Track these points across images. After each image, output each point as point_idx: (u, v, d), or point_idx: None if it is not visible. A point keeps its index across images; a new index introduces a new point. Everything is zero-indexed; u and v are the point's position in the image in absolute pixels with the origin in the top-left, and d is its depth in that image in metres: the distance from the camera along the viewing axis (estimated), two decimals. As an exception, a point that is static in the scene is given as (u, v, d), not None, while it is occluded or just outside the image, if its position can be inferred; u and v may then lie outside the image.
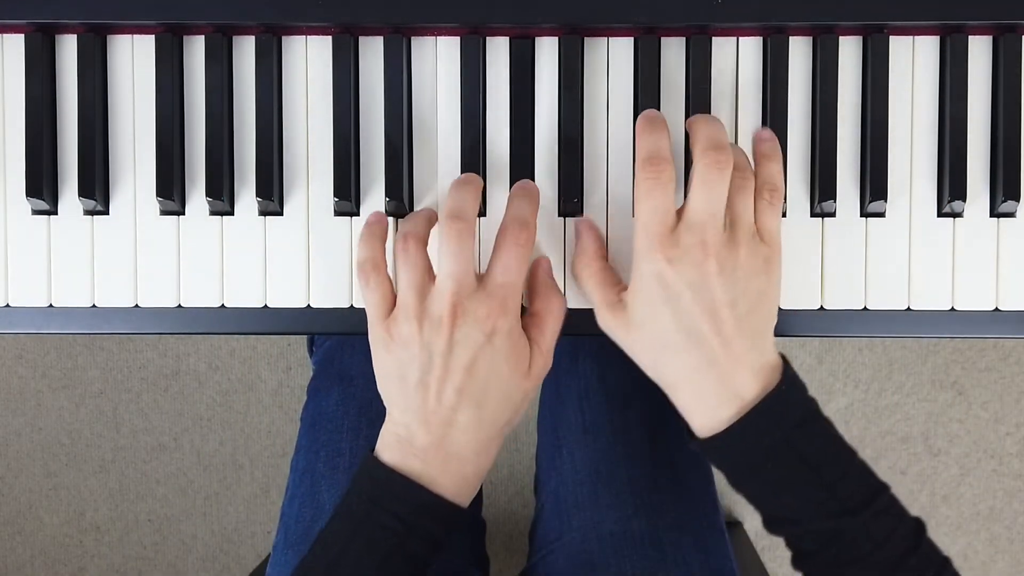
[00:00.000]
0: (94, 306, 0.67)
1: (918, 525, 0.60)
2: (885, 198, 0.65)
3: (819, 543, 0.59)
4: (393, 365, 0.61)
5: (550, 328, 0.63)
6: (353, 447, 0.81)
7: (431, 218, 0.64)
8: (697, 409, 0.59)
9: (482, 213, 0.66)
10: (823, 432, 0.60)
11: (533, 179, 0.66)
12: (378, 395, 0.74)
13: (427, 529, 0.59)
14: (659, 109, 0.65)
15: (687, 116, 0.65)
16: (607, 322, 0.61)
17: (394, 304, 0.61)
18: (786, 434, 0.58)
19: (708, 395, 0.58)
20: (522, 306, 0.63)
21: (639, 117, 0.61)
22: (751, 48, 0.66)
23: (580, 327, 0.66)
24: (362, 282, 0.62)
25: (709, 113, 0.65)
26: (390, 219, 0.66)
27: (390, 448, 0.61)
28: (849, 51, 0.65)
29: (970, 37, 0.65)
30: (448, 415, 0.59)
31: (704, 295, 0.57)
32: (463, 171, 0.65)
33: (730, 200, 0.59)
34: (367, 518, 0.59)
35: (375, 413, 0.82)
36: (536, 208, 0.62)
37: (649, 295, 0.58)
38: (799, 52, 0.66)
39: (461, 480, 0.61)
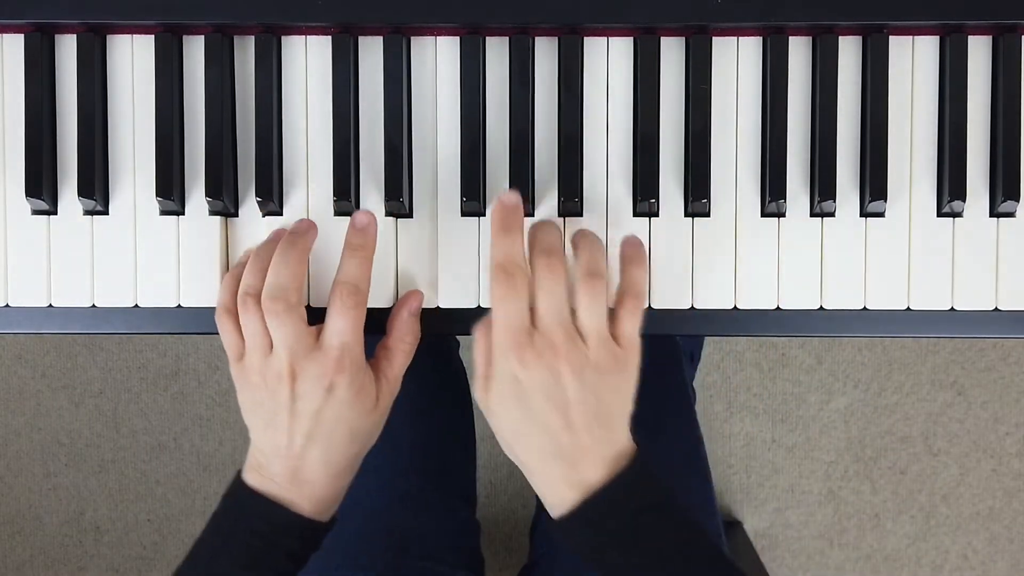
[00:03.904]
0: (94, 306, 0.67)
1: None
2: (885, 198, 0.65)
3: None
4: (247, 403, 0.64)
5: (399, 362, 0.66)
6: None
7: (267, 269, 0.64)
8: (548, 492, 0.61)
9: (480, 213, 0.66)
10: (671, 519, 0.61)
11: (533, 179, 0.66)
12: None
13: (286, 545, 0.63)
14: (658, 109, 0.65)
15: (687, 116, 0.65)
16: (477, 393, 0.63)
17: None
18: (631, 519, 0.59)
19: (557, 481, 0.60)
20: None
21: (494, 211, 0.62)
22: (751, 48, 0.66)
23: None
24: (218, 326, 0.64)
25: (709, 110, 0.65)
26: (392, 218, 0.66)
27: (252, 470, 0.64)
28: (849, 51, 0.65)
29: (970, 37, 0.65)
30: (299, 452, 0.63)
31: (555, 394, 0.59)
32: (463, 171, 0.65)
33: (577, 307, 0.60)
34: (231, 537, 0.63)
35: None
36: (369, 265, 0.64)
37: (503, 390, 0.60)
38: (799, 52, 0.66)
39: (317, 501, 0.64)
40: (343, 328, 0.62)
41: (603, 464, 0.60)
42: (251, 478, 0.64)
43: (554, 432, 0.59)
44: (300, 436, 0.62)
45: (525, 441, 0.61)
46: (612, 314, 0.61)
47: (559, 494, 0.60)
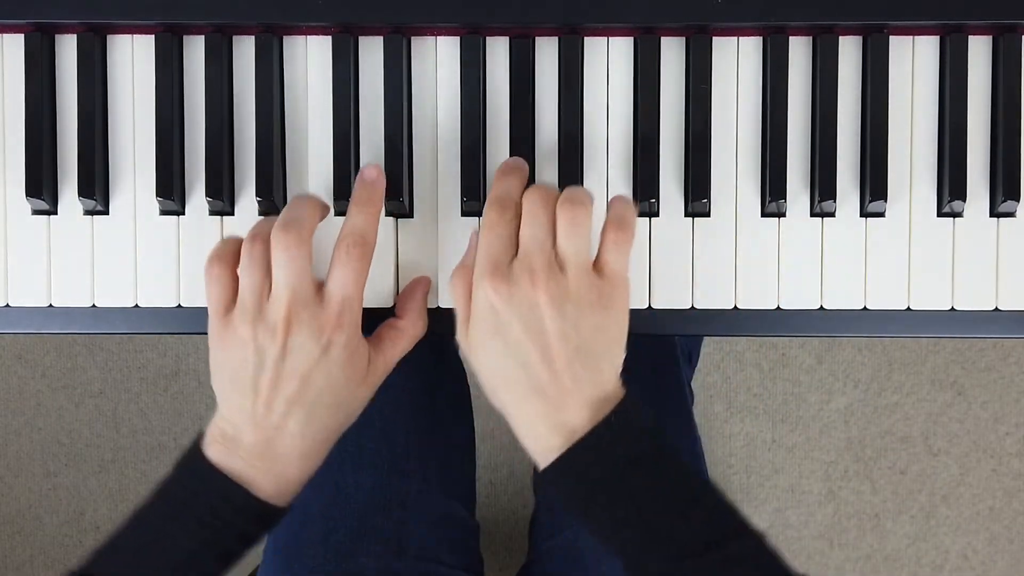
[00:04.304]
0: (94, 306, 0.67)
1: None
2: (885, 198, 0.65)
3: None
4: (226, 363, 0.60)
5: (402, 346, 0.64)
6: (340, 454, 0.81)
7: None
8: (530, 437, 0.59)
9: (480, 213, 0.66)
10: (664, 468, 0.58)
11: (533, 179, 0.66)
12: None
13: (241, 527, 0.60)
14: (659, 109, 0.65)
15: (687, 117, 0.65)
16: (460, 337, 0.61)
17: (235, 302, 0.60)
18: (616, 468, 0.56)
19: (538, 423, 0.58)
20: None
21: (501, 164, 0.63)
22: (751, 48, 0.66)
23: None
24: (205, 275, 0.61)
25: (709, 110, 0.65)
26: (391, 218, 0.66)
27: (215, 443, 0.60)
28: (849, 51, 0.65)
29: (970, 37, 0.65)
30: (277, 421, 0.59)
31: (533, 325, 0.57)
32: (463, 171, 0.65)
33: (556, 235, 0.58)
34: (184, 508, 0.60)
35: (362, 422, 0.83)
36: (376, 219, 0.62)
37: (482, 322, 0.58)
38: (799, 52, 0.66)
39: (283, 482, 0.61)
40: (346, 281, 0.59)
41: (587, 407, 0.57)
42: (213, 451, 0.60)
43: (533, 366, 0.57)
44: (282, 401, 0.59)
45: (504, 378, 0.58)
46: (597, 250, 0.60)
47: (543, 440, 0.58)
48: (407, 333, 0.64)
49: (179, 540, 0.59)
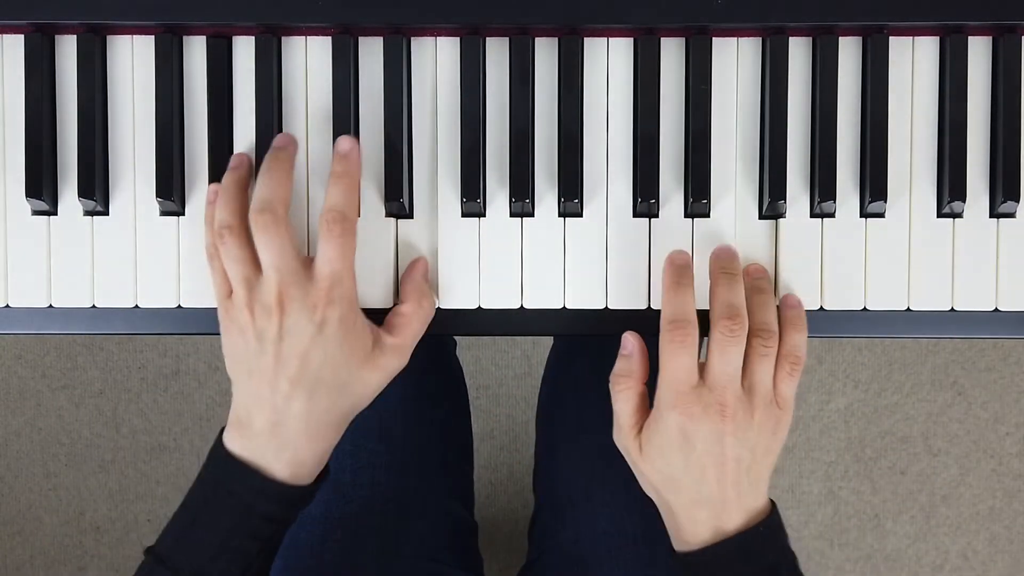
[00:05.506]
0: (94, 306, 0.67)
1: None
2: (885, 198, 0.65)
3: None
4: (233, 348, 0.62)
5: (413, 329, 0.64)
6: (339, 454, 0.81)
7: (244, 203, 0.63)
8: (683, 532, 0.63)
9: (482, 214, 0.66)
10: None
11: (533, 179, 0.66)
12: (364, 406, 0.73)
13: (264, 510, 0.62)
14: (658, 110, 0.65)
15: (687, 117, 0.65)
16: (623, 441, 0.64)
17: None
18: (754, 573, 0.61)
19: (697, 524, 0.62)
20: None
21: (666, 268, 0.64)
22: (751, 48, 0.66)
23: (578, 328, 0.66)
24: (210, 268, 0.63)
25: (709, 111, 0.65)
26: (392, 218, 0.66)
27: (231, 429, 0.63)
28: (849, 51, 0.65)
29: (970, 37, 0.65)
30: (282, 403, 0.61)
31: (715, 449, 0.61)
32: (463, 172, 0.65)
33: (751, 366, 0.62)
34: (212, 494, 0.63)
35: (360, 422, 0.83)
36: (355, 192, 0.63)
37: (666, 439, 0.61)
38: (799, 52, 0.66)
39: (296, 465, 0.62)
40: (332, 256, 0.60)
41: (744, 515, 0.62)
42: (229, 438, 0.63)
43: (707, 483, 0.61)
44: (284, 381, 0.60)
45: (676, 486, 0.62)
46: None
47: (695, 534, 0.62)
48: (413, 316, 0.64)
49: (212, 523, 0.62)
